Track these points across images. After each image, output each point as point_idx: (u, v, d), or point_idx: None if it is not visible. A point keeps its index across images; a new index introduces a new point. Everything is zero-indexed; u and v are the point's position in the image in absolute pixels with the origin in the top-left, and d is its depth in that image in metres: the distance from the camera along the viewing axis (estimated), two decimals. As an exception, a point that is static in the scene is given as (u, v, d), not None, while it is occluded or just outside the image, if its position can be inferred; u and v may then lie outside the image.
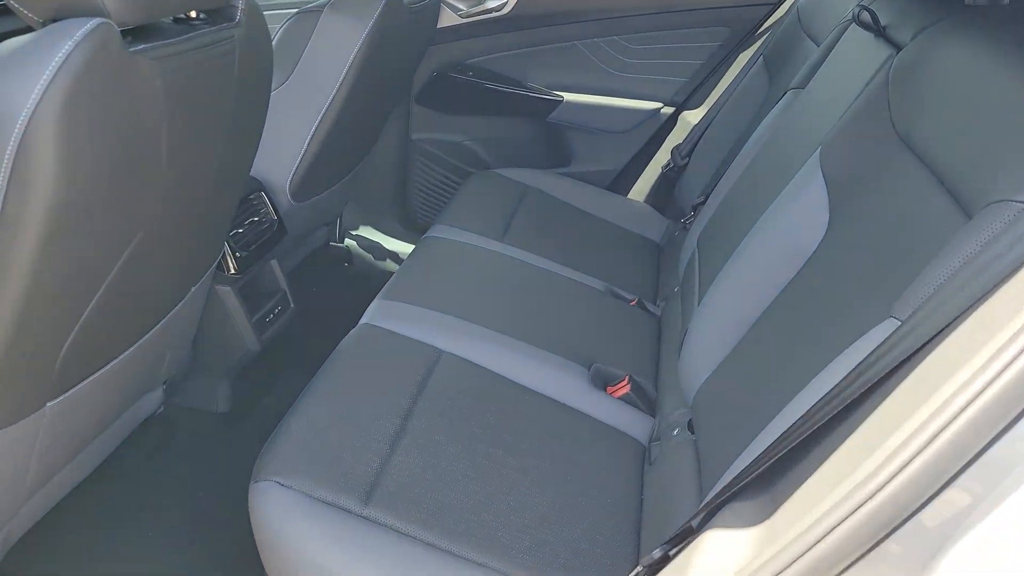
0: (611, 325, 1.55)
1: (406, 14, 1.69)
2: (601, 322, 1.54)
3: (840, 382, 0.70)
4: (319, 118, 1.61)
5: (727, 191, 1.52)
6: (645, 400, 1.39)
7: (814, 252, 1.08)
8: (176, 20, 1.03)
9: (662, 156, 2.18)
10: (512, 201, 1.97)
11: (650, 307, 1.70)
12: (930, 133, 0.94)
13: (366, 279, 2.40)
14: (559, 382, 1.34)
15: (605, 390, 1.40)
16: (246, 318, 1.59)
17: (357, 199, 2.44)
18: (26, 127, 0.78)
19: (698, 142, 2.02)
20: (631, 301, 1.69)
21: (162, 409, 1.65)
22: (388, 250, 2.48)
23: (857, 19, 1.30)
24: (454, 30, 2.18)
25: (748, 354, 1.15)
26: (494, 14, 2.15)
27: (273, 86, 1.58)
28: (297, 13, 1.56)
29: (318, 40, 1.56)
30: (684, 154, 2.04)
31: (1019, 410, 0.51)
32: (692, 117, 2.12)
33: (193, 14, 1.03)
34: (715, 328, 1.23)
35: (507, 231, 1.81)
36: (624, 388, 1.38)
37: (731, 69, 2.08)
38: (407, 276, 1.53)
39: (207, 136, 1.06)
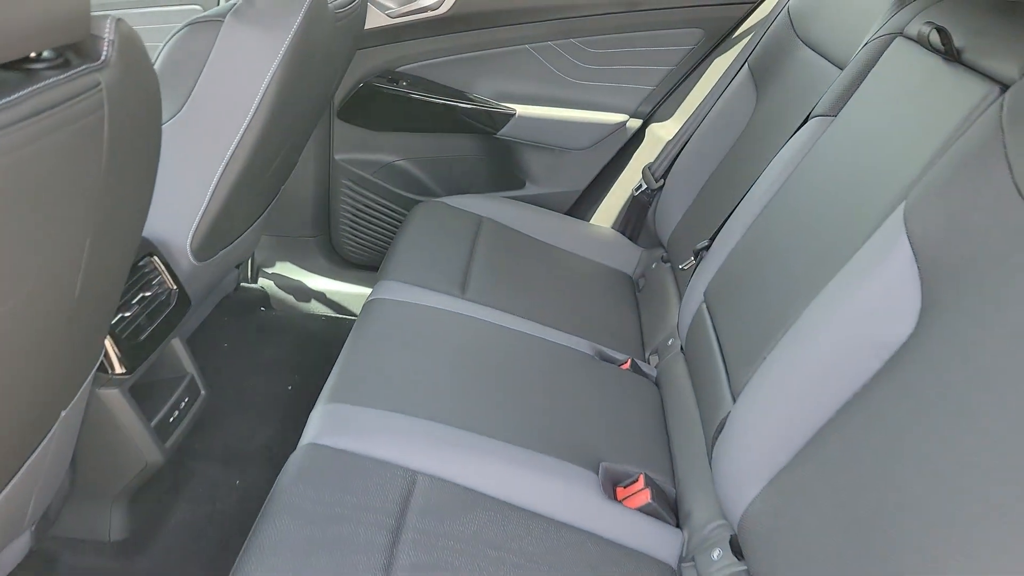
0: (609, 403, 1.27)
1: (331, 20, 1.34)
2: (601, 402, 1.26)
3: None
4: (227, 156, 1.25)
5: (741, 236, 1.26)
6: (666, 505, 1.12)
7: (903, 347, 0.83)
8: (7, 67, 0.66)
9: (630, 176, 1.91)
10: (466, 239, 1.65)
11: (643, 367, 1.43)
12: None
13: (288, 327, 2.03)
14: (566, 497, 1.06)
15: (615, 489, 1.13)
16: (142, 425, 1.22)
17: (273, 231, 2.07)
18: None
19: (675, 161, 1.75)
20: (623, 364, 1.42)
21: (35, 546, 1.27)
22: (312, 290, 2.12)
23: (915, 37, 1.05)
24: (383, 32, 1.83)
25: (817, 473, 0.89)
26: (429, 13, 1.81)
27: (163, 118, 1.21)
28: (187, 26, 1.18)
29: (220, 59, 1.19)
30: (659, 175, 1.78)
31: None
32: (663, 131, 1.86)
33: (33, 54, 0.67)
34: (762, 431, 0.97)
35: (467, 283, 1.50)
36: (642, 495, 1.11)
37: (706, 77, 1.82)
38: (352, 364, 1.20)
39: (59, 239, 0.70)
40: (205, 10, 1.87)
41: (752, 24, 1.75)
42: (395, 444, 1.05)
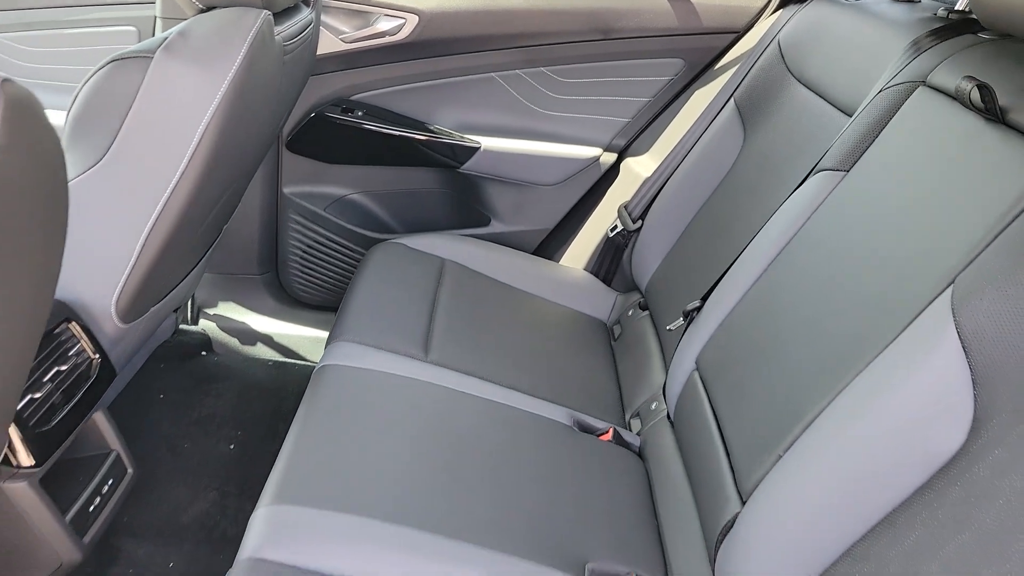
0: (596, 489, 1.14)
1: (279, 55, 1.19)
2: (583, 487, 1.13)
3: None
4: (158, 210, 1.09)
5: (739, 300, 1.15)
6: (660, 613, 1.00)
7: (951, 462, 0.73)
8: None
9: (603, 215, 1.79)
10: (428, 288, 1.51)
11: (626, 436, 1.31)
12: None
13: (231, 374, 1.86)
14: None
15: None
16: (56, 521, 1.05)
17: (214, 268, 1.89)
18: None
19: (653, 201, 1.64)
20: (603, 434, 1.30)
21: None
22: (258, 333, 1.95)
23: (942, 89, 0.95)
24: (336, 58, 1.68)
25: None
26: (387, 38, 1.67)
27: (78, 170, 1.05)
28: (110, 62, 1.02)
29: (148, 101, 1.03)
30: (636, 215, 1.66)
31: None
32: (639, 167, 1.75)
33: None
34: (784, 543, 0.85)
35: (430, 342, 1.36)
36: (633, 602, 0.99)
37: (686, 110, 1.72)
38: (301, 451, 1.05)
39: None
40: (140, 34, 1.71)
41: (737, 55, 1.66)
42: (351, 554, 0.90)
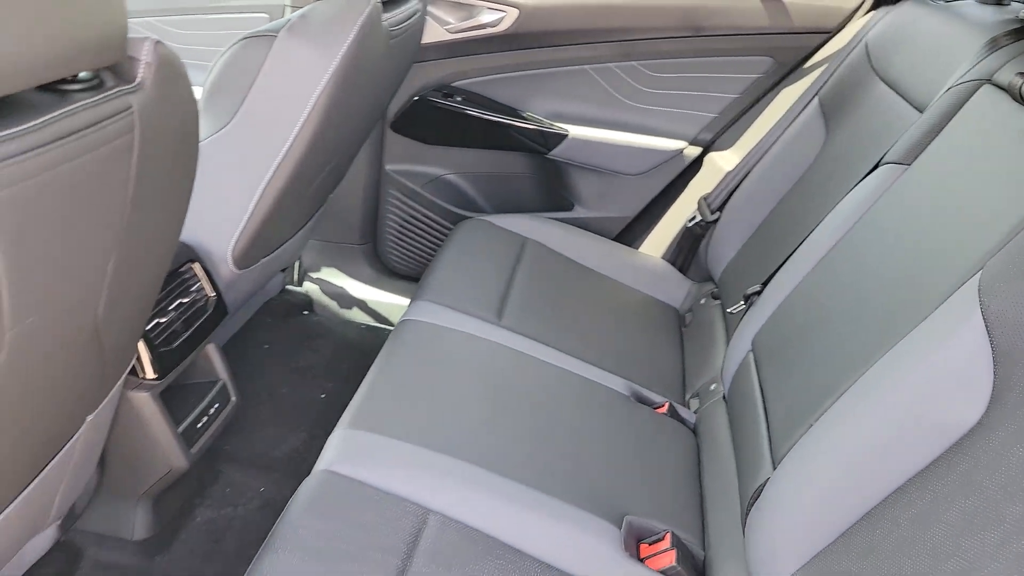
0: (641, 450, 1.22)
1: (385, 38, 1.33)
2: (632, 449, 1.21)
3: None
4: (272, 170, 1.24)
5: (796, 285, 1.20)
6: (693, 571, 1.06)
7: (968, 434, 0.76)
8: (43, 88, 0.66)
9: (684, 206, 1.85)
10: (508, 261, 1.62)
11: (682, 412, 1.38)
12: None
13: (329, 333, 2.04)
14: (586, 552, 1.01)
15: (638, 547, 1.08)
16: (169, 430, 1.22)
17: (321, 235, 2.07)
18: None
19: (732, 194, 1.69)
20: (660, 407, 1.36)
21: (62, 538, 1.29)
22: (355, 298, 2.12)
23: (1004, 86, 0.97)
24: (440, 47, 1.81)
25: (861, 557, 0.83)
26: (489, 30, 1.79)
27: (210, 131, 1.22)
28: (242, 40, 1.19)
29: (271, 74, 1.18)
30: (715, 207, 1.71)
31: None
32: (723, 161, 1.79)
33: (71, 76, 0.66)
34: (806, 503, 0.91)
35: (504, 308, 1.46)
36: (666, 556, 1.06)
37: (772, 107, 1.75)
38: (377, 389, 1.18)
39: (82, 260, 0.70)
40: (271, 19, 1.90)
41: (826, 56, 1.68)
42: (411, 479, 1.02)
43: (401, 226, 2.05)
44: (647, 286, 1.74)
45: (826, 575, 0.85)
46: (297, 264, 2.09)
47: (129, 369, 1.14)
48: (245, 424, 1.65)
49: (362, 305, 2.11)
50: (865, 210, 1.13)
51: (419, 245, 2.06)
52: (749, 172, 1.68)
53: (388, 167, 1.98)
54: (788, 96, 1.71)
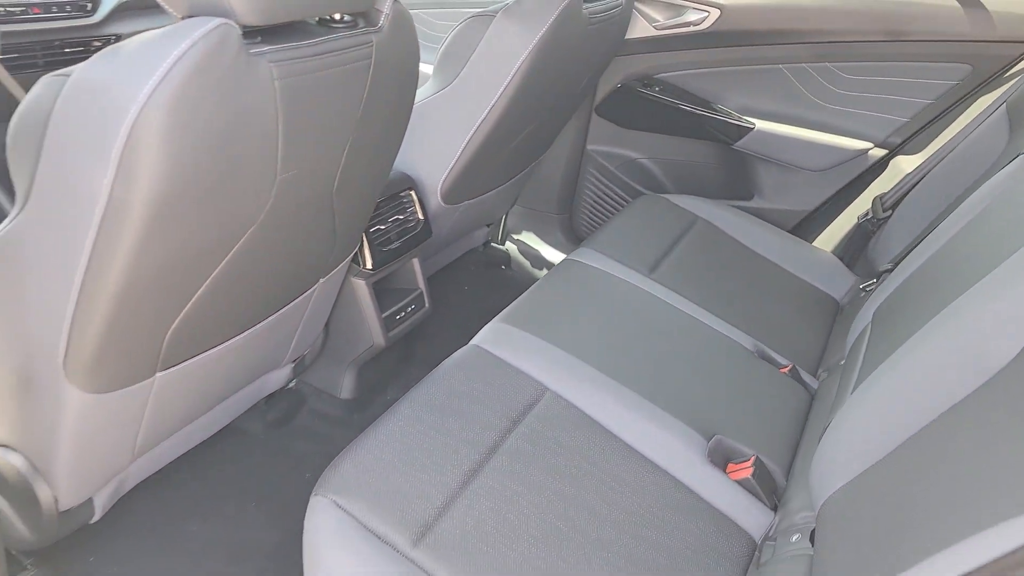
0: (750, 393, 1.36)
1: (583, 24, 1.59)
2: (739, 388, 1.36)
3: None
4: (476, 125, 1.57)
5: (920, 263, 1.27)
6: (768, 489, 1.20)
7: (1007, 367, 0.85)
8: (320, 22, 1.02)
9: (862, 204, 1.90)
10: (674, 232, 1.81)
11: (806, 378, 1.48)
12: None
13: (519, 286, 2.35)
14: (670, 449, 1.20)
15: (726, 468, 1.24)
16: (375, 314, 1.59)
17: (524, 202, 2.40)
18: (136, 118, 0.79)
19: (907, 194, 1.73)
20: (784, 368, 1.48)
21: (294, 383, 1.72)
22: (546, 259, 2.42)
23: None
24: (646, 41, 2.04)
25: (893, 473, 0.93)
26: (692, 28, 1.99)
27: (437, 89, 1.57)
28: (470, 17, 1.52)
29: (486, 46, 1.51)
30: (888, 206, 1.76)
31: None
32: (907, 164, 1.82)
33: (337, 16, 1.02)
34: (861, 429, 1.02)
35: (658, 266, 1.66)
36: (745, 470, 1.20)
37: (965, 114, 1.75)
38: (532, 300, 1.45)
39: (328, 140, 1.04)
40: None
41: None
42: (539, 365, 1.27)
43: (595, 201, 2.31)
44: (809, 275, 1.83)
45: (858, 491, 0.97)
46: (502, 225, 2.44)
47: (352, 258, 1.52)
48: (434, 337, 2.00)
49: (551, 267, 2.40)
50: (997, 195, 1.18)
51: (606, 219, 2.30)
52: (927, 174, 1.70)
53: (590, 147, 2.25)
54: (983, 104, 1.71)
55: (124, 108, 0.79)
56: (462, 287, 2.28)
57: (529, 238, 2.45)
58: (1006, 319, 0.87)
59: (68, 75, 0.82)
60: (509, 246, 2.45)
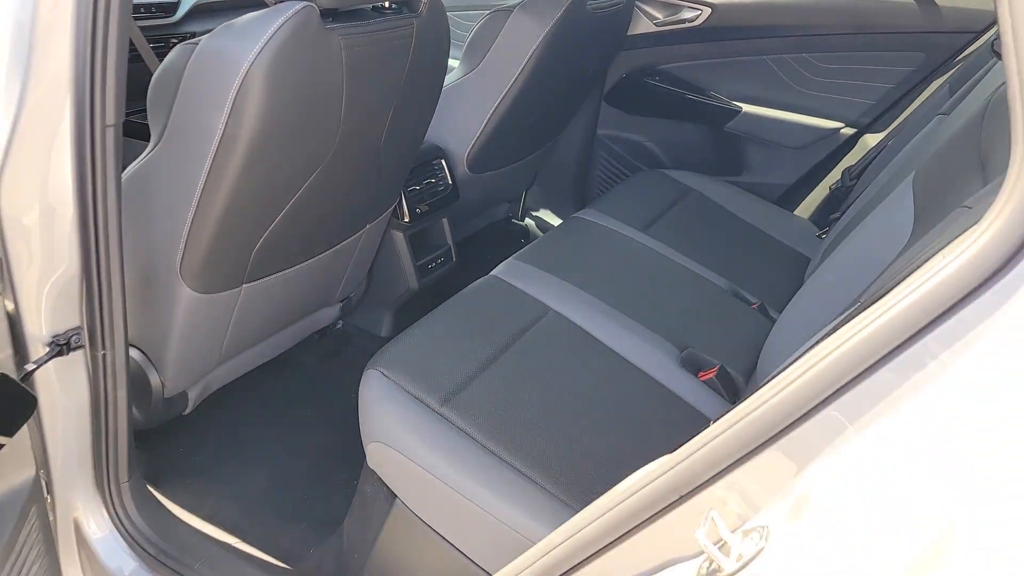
0: (720, 320, 1.64)
1: (589, 20, 1.89)
2: (710, 315, 1.64)
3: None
4: (496, 104, 1.87)
5: (858, 209, 1.54)
6: (730, 388, 1.47)
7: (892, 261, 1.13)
8: (373, 8, 1.33)
9: (834, 176, 2.17)
10: (669, 199, 2.09)
11: (773, 314, 1.75)
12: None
13: (536, 256, 2.64)
14: (649, 356, 1.48)
15: (697, 376, 1.51)
16: (411, 261, 1.90)
17: (541, 183, 2.70)
18: (246, 73, 1.10)
19: (869, 164, 1.99)
20: (753, 304, 1.75)
21: (341, 324, 2.03)
22: (561, 233, 2.71)
23: (992, 48, 1.28)
24: (648, 37, 2.34)
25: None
26: (687, 24, 2.28)
27: (464, 73, 1.88)
28: (492, 12, 1.83)
29: (504, 37, 1.81)
30: (853, 175, 2.03)
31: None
32: (872, 140, 2.09)
33: (387, 4, 1.33)
34: (792, 329, 1.30)
35: (652, 224, 1.95)
36: (711, 373, 1.48)
37: (921, 96, 2.02)
38: (542, 246, 1.74)
39: (378, 100, 1.35)
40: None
41: (972, 50, 1.92)
42: (544, 290, 1.56)
43: (605, 180, 2.60)
44: (786, 238, 2.10)
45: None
46: (522, 202, 2.73)
47: (393, 211, 1.83)
48: (457, 287, 2.30)
49: (565, 239, 2.69)
50: (914, 153, 1.45)
51: (614, 195, 2.59)
52: (886, 148, 1.97)
53: (600, 131, 2.54)
54: (935, 87, 1.97)
55: (237, 66, 1.11)
56: (485, 255, 2.58)
57: (546, 214, 2.74)
58: (895, 226, 1.15)
59: (197, 43, 1.14)
60: (528, 222, 2.75)
